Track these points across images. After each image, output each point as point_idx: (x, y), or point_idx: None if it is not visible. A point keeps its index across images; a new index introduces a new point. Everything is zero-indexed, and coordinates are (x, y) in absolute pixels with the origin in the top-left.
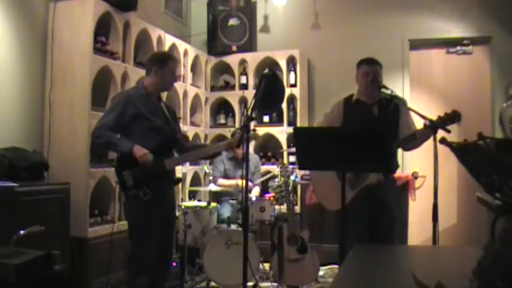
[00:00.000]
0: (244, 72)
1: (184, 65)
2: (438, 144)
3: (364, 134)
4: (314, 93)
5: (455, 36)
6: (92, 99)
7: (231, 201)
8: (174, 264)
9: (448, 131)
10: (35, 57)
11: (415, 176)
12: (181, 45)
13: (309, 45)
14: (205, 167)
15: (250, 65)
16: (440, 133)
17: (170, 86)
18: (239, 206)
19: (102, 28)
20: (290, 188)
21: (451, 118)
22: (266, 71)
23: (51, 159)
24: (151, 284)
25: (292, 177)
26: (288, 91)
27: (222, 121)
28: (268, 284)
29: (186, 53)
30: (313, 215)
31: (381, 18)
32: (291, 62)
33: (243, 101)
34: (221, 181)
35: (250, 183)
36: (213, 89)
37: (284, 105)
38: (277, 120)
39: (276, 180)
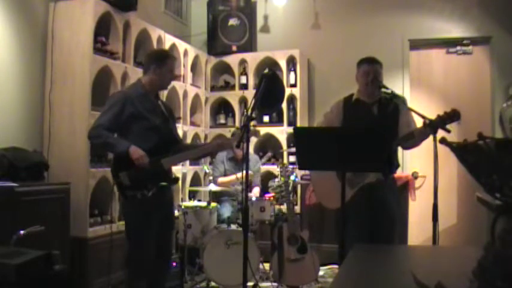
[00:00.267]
0: (244, 72)
1: (184, 65)
2: (438, 144)
3: (364, 133)
4: (314, 93)
5: (455, 36)
6: (92, 99)
7: (231, 201)
8: (174, 264)
9: (448, 131)
10: (35, 57)
11: (415, 176)
12: (181, 45)
13: (309, 45)
14: (205, 167)
15: (250, 65)
16: (440, 133)
17: (168, 84)
18: (239, 206)
19: (102, 28)
20: (290, 188)
21: (450, 117)
22: (266, 71)
23: (51, 159)
24: (150, 285)
25: (292, 177)
26: (288, 91)
27: (222, 121)
28: (268, 284)
29: (186, 53)
30: (313, 215)
31: (380, 18)
32: (291, 62)
33: (243, 101)
34: (221, 179)
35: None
36: (213, 89)
37: (284, 105)
38: (277, 120)
39: (276, 180)
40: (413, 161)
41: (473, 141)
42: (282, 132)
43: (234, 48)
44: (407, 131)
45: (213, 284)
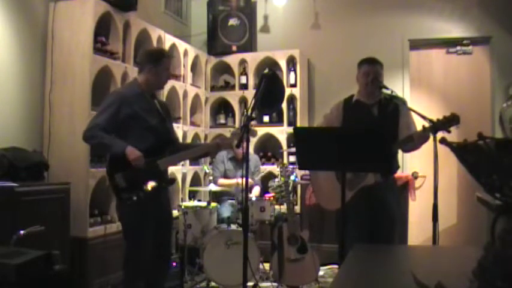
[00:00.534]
0: (244, 72)
1: (184, 65)
2: (438, 145)
3: (364, 134)
4: (314, 93)
5: (455, 36)
6: (92, 99)
7: (230, 201)
8: (174, 264)
9: (448, 131)
10: (35, 57)
11: (415, 176)
12: (181, 45)
13: (309, 45)
14: (205, 167)
15: (250, 65)
16: (440, 133)
17: (165, 83)
18: (239, 206)
19: (102, 28)
20: (290, 188)
21: (449, 121)
22: (266, 71)
23: (51, 159)
24: (149, 285)
25: (292, 177)
26: (288, 91)
27: (222, 121)
28: (268, 284)
29: (186, 53)
30: (313, 215)
31: (380, 18)
32: (291, 62)
33: (243, 101)
34: (221, 181)
35: (250, 180)
36: (213, 89)
37: (284, 105)
38: (277, 120)
39: (276, 180)
40: (413, 161)
41: (473, 141)
42: (282, 132)
43: (234, 48)
44: (407, 132)
45: (213, 284)
